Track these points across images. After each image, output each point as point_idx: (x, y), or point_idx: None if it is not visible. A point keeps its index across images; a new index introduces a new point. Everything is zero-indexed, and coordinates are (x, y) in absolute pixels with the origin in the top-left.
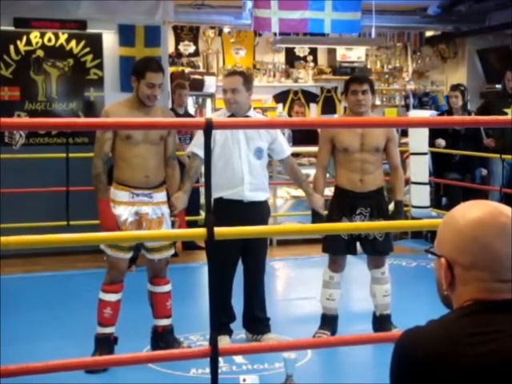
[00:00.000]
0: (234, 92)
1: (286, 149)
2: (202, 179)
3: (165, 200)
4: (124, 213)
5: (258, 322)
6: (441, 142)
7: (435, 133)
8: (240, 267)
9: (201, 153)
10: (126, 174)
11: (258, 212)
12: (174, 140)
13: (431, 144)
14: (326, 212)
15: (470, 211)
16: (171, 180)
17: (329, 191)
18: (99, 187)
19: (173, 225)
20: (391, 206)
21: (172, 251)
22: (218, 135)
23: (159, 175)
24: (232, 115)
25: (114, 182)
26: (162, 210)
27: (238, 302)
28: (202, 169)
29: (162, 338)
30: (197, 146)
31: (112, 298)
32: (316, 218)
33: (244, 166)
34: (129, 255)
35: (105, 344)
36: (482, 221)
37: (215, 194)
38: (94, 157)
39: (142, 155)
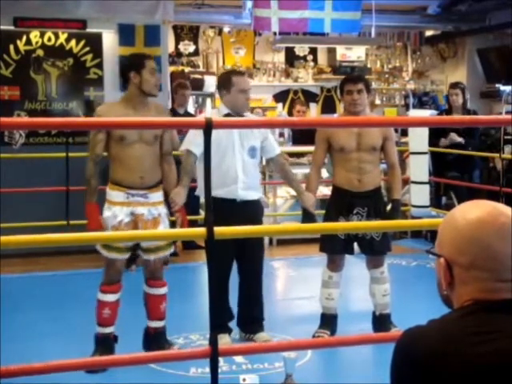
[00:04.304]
0: (250, 91)
1: (276, 147)
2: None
3: (161, 200)
4: (120, 213)
5: (251, 321)
6: (454, 137)
7: (435, 132)
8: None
9: (196, 150)
10: (120, 174)
11: (251, 211)
12: (169, 136)
13: (431, 143)
14: (320, 211)
15: (470, 211)
16: (169, 175)
17: (328, 191)
18: (87, 190)
19: (173, 224)
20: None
21: (169, 251)
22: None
23: (155, 175)
24: (228, 114)
25: (110, 182)
26: (159, 211)
27: (233, 301)
28: (197, 167)
29: (154, 340)
30: (191, 143)
31: (110, 298)
32: (306, 217)
33: (238, 164)
34: (125, 256)
35: (105, 344)
36: (481, 221)
37: None
38: (89, 159)
39: (137, 156)
